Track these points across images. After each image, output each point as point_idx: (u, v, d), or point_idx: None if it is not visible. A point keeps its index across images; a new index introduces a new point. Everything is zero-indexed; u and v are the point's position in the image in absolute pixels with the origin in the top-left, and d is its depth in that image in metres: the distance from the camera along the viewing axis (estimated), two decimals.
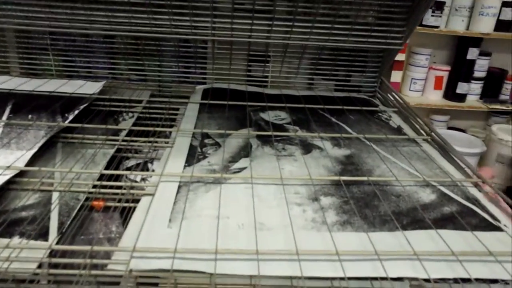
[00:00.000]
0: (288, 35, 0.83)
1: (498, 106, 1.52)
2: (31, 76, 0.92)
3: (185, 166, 0.58)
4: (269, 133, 0.69)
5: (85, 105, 0.76)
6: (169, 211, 0.48)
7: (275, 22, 0.81)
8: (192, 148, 0.64)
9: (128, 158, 0.68)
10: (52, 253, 0.42)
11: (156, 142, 0.69)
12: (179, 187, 0.53)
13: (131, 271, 0.39)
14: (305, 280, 0.38)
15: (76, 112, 0.73)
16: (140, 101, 0.85)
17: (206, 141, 0.67)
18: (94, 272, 0.39)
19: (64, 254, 0.43)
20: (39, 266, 0.41)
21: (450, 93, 1.55)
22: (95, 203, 0.55)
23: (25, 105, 0.74)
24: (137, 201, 0.54)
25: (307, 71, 1.02)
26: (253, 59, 0.99)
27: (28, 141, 0.62)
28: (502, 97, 1.60)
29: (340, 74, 1.01)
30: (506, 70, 1.60)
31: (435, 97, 1.56)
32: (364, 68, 0.95)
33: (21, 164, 0.54)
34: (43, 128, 0.67)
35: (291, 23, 0.81)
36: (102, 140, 0.67)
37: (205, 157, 0.62)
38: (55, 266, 0.41)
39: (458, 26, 1.45)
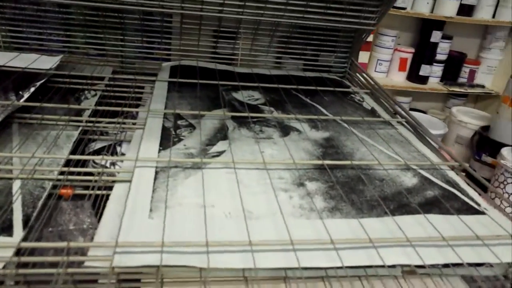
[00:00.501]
0: (262, 11, 0.79)
1: (457, 89, 1.57)
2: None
3: (160, 150, 0.55)
4: (246, 114, 0.66)
5: (41, 81, 0.69)
6: (149, 200, 0.45)
7: None
8: (165, 130, 0.60)
9: (93, 140, 0.63)
10: (20, 250, 0.38)
11: (124, 123, 0.64)
12: (156, 173, 0.50)
13: (114, 268, 0.36)
14: (302, 271, 0.37)
15: (32, 89, 0.66)
16: (101, 78, 0.79)
17: (179, 122, 0.63)
18: (71, 270, 0.35)
19: (32, 250, 0.38)
20: (4, 266, 0.36)
21: (414, 75, 1.59)
22: (63, 191, 0.50)
23: None
24: (109, 188, 0.50)
25: (276, 49, 1.00)
26: (221, 35, 0.95)
27: None
28: (461, 80, 1.66)
29: (309, 54, 1.00)
30: (465, 53, 1.66)
31: (399, 79, 1.59)
32: (335, 48, 0.94)
33: None
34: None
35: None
36: (64, 121, 0.61)
37: (180, 140, 0.58)
38: (24, 265, 0.37)
39: (423, 8, 1.47)
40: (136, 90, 0.77)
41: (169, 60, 0.92)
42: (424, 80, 1.59)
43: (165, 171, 0.50)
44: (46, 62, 0.77)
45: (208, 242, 0.37)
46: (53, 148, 0.56)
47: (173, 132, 0.60)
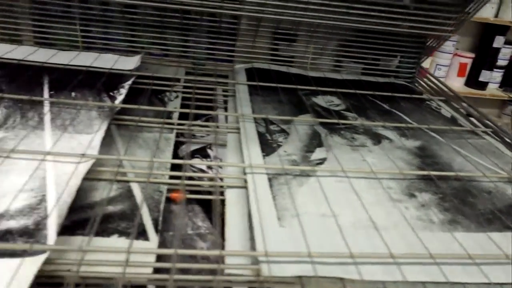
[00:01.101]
0: (322, 14, 0.79)
1: None
2: (44, 46, 0.84)
3: (264, 156, 0.55)
4: (336, 120, 0.66)
5: (129, 82, 0.70)
6: (273, 208, 0.45)
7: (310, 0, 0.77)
8: (260, 135, 0.60)
9: (183, 143, 0.64)
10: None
11: (218, 127, 0.64)
12: (269, 179, 0.50)
13: (261, 276, 0.36)
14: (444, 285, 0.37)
15: (123, 90, 0.67)
16: (177, 79, 0.79)
17: (271, 127, 0.64)
18: (227, 278, 0.35)
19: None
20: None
21: (472, 81, 1.57)
22: (175, 195, 0.51)
23: (64, 82, 0.67)
24: (218, 193, 0.51)
25: (334, 52, 1.00)
26: (280, 37, 0.95)
27: (83, 123, 0.57)
28: None
29: (369, 58, 0.99)
30: None
31: (457, 84, 1.57)
32: (402, 53, 0.93)
33: (94, 152, 0.49)
34: (92, 108, 0.61)
35: (326, 2, 0.77)
36: (160, 123, 0.62)
37: (278, 146, 0.58)
38: (163, 271, 0.38)
39: (488, 13, 1.45)
40: (212, 92, 0.78)
41: (230, 61, 0.93)
42: (483, 85, 1.57)
43: (277, 178, 0.51)
44: (127, 63, 0.78)
45: (352, 253, 0.38)
46: (157, 151, 0.57)
47: (269, 138, 0.60)
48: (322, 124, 0.66)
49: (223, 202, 0.50)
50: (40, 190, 0.42)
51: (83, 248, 0.36)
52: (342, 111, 0.72)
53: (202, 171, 0.58)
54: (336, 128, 0.65)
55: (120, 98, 0.64)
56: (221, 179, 0.52)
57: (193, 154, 0.62)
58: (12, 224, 0.38)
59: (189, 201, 0.52)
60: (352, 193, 0.49)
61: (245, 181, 0.51)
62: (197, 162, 0.55)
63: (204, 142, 0.64)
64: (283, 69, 0.87)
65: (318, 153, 0.57)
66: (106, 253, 0.37)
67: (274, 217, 0.43)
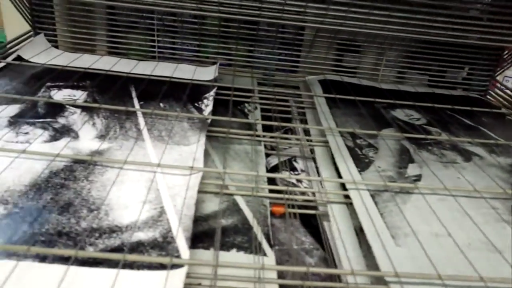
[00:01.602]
0: (388, 26, 0.78)
1: None
2: (119, 56, 0.86)
3: (359, 172, 0.55)
4: (423, 136, 0.65)
5: (211, 93, 0.71)
6: (384, 226, 0.45)
7: (373, 11, 0.76)
8: (350, 149, 0.60)
9: (268, 154, 0.64)
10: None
11: (311, 140, 0.64)
12: (372, 196, 0.50)
13: None
14: None
15: (208, 102, 0.68)
16: (251, 90, 0.80)
17: (358, 141, 0.63)
18: None
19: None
20: None
21: None
22: (275, 208, 0.51)
23: (150, 92, 0.69)
24: (319, 208, 0.51)
25: (397, 63, 0.98)
26: (344, 48, 0.95)
27: (179, 134, 0.58)
28: None
29: (433, 69, 0.98)
30: None
31: None
32: (474, 65, 0.92)
33: (200, 164, 0.50)
34: (183, 119, 0.62)
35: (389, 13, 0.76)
36: (248, 135, 0.63)
37: (370, 161, 0.58)
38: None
39: None
40: (287, 103, 0.78)
41: (295, 72, 0.93)
42: None
43: (379, 194, 0.50)
44: (205, 73, 0.79)
45: (482, 277, 0.37)
46: (250, 163, 0.57)
47: (359, 152, 0.60)
48: (408, 139, 0.65)
49: (320, 216, 0.50)
50: (157, 202, 0.43)
51: (213, 263, 0.37)
52: (424, 126, 0.71)
53: (294, 184, 0.58)
54: (423, 144, 0.64)
55: (208, 109, 0.65)
56: (321, 194, 0.52)
57: (278, 167, 0.62)
58: (141, 236, 0.39)
59: (289, 215, 0.52)
60: (458, 212, 0.48)
61: (344, 196, 0.51)
62: (302, 177, 0.56)
63: (290, 155, 0.64)
64: (355, 81, 0.86)
65: (412, 169, 0.57)
66: (231, 268, 0.38)
67: (387, 236, 0.43)
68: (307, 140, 0.65)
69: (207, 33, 0.90)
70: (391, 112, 0.74)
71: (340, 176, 0.54)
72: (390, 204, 0.49)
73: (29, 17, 0.80)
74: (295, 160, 0.64)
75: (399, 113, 0.74)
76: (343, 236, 0.45)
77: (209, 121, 0.61)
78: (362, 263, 0.42)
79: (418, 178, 0.55)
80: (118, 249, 0.37)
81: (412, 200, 0.50)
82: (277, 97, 0.78)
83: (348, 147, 0.60)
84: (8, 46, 0.74)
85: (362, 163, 0.57)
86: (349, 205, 0.50)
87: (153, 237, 0.39)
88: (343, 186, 0.53)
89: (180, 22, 0.87)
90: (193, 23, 0.88)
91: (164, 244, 0.38)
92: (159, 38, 0.87)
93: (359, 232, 0.46)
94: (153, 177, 0.47)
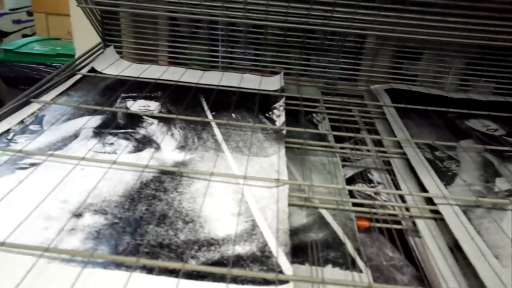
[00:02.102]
0: (448, 32, 0.75)
1: None
2: (180, 65, 0.87)
3: (445, 186, 0.52)
4: (507, 148, 0.62)
5: (280, 103, 0.70)
6: (483, 244, 0.42)
7: (432, 17, 0.74)
8: (430, 162, 0.58)
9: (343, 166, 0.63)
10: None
11: (385, 151, 0.63)
12: (464, 212, 0.47)
13: None
14: None
15: (278, 112, 0.67)
16: (317, 100, 0.79)
17: (437, 154, 0.61)
18: None
19: None
20: None
21: None
22: (360, 222, 0.50)
23: (220, 102, 0.69)
24: (397, 222, 0.49)
25: (462, 71, 0.95)
26: (404, 56, 0.92)
27: (255, 146, 0.57)
28: None
29: (499, 76, 0.93)
30: None
31: None
32: None
33: (284, 176, 0.49)
34: (257, 130, 0.62)
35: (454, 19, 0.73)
36: (323, 146, 0.62)
37: (454, 174, 0.55)
38: None
39: None
40: (352, 113, 0.77)
41: (354, 80, 0.91)
42: None
43: (472, 211, 0.48)
44: (271, 83, 0.79)
45: None
46: (329, 175, 0.56)
47: (441, 165, 0.57)
48: (490, 151, 0.62)
49: (407, 231, 0.48)
50: (248, 215, 0.43)
51: (318, 279, 0.36)
52: (504, 137, 0.68)
53: (369, 196, 0.56)
54: (507, 156, 0.61)
55: (280, 120, 0.64)
56: (407, 208, 0.51)
57: (353, 179, 0.61)
58: (239, 249, 0.38)
59: (373, 229, 0.50)
60: None
61: (431, 211, 0.49)
62: (389, 191, 0.54)
63: (364, 166, 0.62)
64: (423, 89, 0.84)
65: (500, 184, 0.54)
66: (335, 285, 0.37)
67: (490, 255, 0.41)
68: (380, 151, 0.64)
69: (270, 42, 0.90)
70: (465, 122, 0.72)
71: (423, 190, 0.52)
72: (484, 221, 0.46)
73: (100, 30, 0.82)
74: (369, 172, 0.62)
75: (475, 124, 0.71)
76: (435, 254, 0.43)
77: (284, 132, 0.60)
78: (463, 283, 0.40)
79: (509, 193, 0.52)
80: (218, 263, 0.36)
81: (509, 218, 0.47)
82: (343, 106, 0.77)
83: (428, 160, 0.58)
84: (82, 58, 0.77)
85: (445, 177, 0.54)
86: (439, 220, 0.48)
87: (250, 250, 0.38)
88: (429, 201, 0.51)
89: (245, 32, 0.87)
90: (255, 33, 0.89)
91: (263, 259, 0.37)
92: (223, 48, 0.88)
93: (454, 249, 0.44)
94: (239, 189, 0.47)
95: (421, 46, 0.91)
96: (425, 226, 0.47)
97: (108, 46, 0.85)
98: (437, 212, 0.48)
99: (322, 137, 0.65)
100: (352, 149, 0.64)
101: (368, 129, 0.73)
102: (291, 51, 0.90)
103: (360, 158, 0.65)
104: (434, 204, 0.49)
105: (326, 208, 0.49)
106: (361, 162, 0.64)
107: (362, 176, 0.61)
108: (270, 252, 0.38)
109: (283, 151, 0.55)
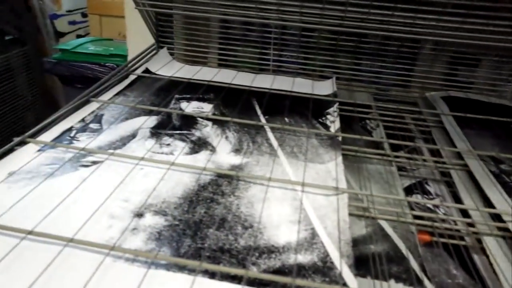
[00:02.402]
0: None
1: None
2: (229, 68, 0.87)
3: None
4: None
5: (333, 109, 0.69)
6: None
7: (495, 22, 0.70)
8: (495, 175, 0.55)
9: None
10: None
11: (445, 162, 0.60)
12: None
13: None
14: None
15: (331, 117, 0.66)
16: (369, 106, 0.77)
17: (503, 167, 0.58)
18: None
19: None
20: None
21: None
22: (421, 236, 0.47)
23: (273, 106, 0.68)
24: (459, 238, 0.47)
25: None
26: (459, 62, 0.89)
27: (310, 152, 0.56)
28: None
29: None
30: None
31: None
32: None
33: (343, 185, 0.48)
34: (311, 135, 0.60)
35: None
36: (379, 154, 0.60)
37: None
38: None
39: None
40: (405, 120, 0.74)
41: (407, 86, 0.88)
42: None
43: None
44: (322, 87, 0.78)
45: None
46: (386, 185, 0.54)
47: (509, 180, 0.54)
48: None
49: (472, 248, 0.46)
50: (306, 223, 0.42)
51: None
52: None
53: (428, 209, 0.54)
54: None
55: (335, 125, 0.63)
56: (471, 224, 0.48)
57: (410, 189, 0.58)
58: (300, 258, 0.37)
59: (435, 244, 0.48)
60: None
61: (498, 228, 0.46)
62: (452, 205, 0.52)
63: (421, 177, 0.60)
64: (482, 98, 0.80)
65: None
66: None
67: None
68: (439, 162, 0.61)
69: (322, 46, 0.89)
70: None
71: (489, 205, 0.50)
72: None
73: (155, 31, 0.84)
74: (427, 183, 0.60)
75: None
76: (506, 273, 0.41)
77: (340, 138, 0.59)
78: None
79: None
80: (280, 271, 0.36)
81: None
82: (396, 113, 0.75)
83: (493, 173, 0.55)
84: (137, 59, 0.78)
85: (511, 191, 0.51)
86: (508, 239, 0.45)
87: (312, 260, 0.37)
88: (496, 217, 0.48)
89: (298, 36, 0.86)
90: (307, 36, 0.88)
91: (326, 270, 0.36)
92: (274, 52, 0.87)
93: None
94: (296, 196, 0.46)
95: (480, 52, 0.87)
96: (493, 244, 0.45)
97: (161, 47, 0.86)
98: (506, 229, 0.46)
99: (376, 145, 0.63)
100: (408, 158, 0.61)
101: (424, 138, 0.70)
102: (342, 55, 0.88)
103: (416, 168, 0.63)
104: (503, 221, 0.46)
105: (386, 220, 0.47)
106: (416, 172, 0.62)
107: (418, 187, 0.59)
108: (332, 263, 0.37)
109: (340, 158, 0.54)
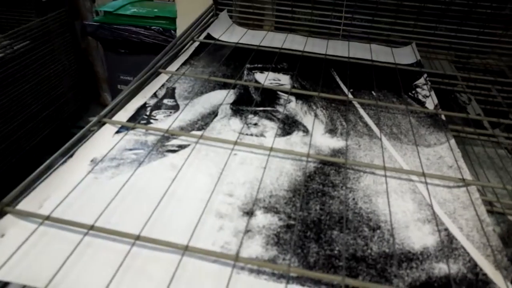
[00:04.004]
0: None
1: None
2: (286, 31, 0.79)
3: None
4: None
5: (422, 81, 0.61)
6: None
7: None
8: None
9: None
10: None
11: None
12: None
13: None
14: None
15: (427, 92, 0.59)
16: (454, 77, 0.69)
17: None
18: None
19: None
20: None
21: None
22: None
23: (355, 77, 0.61)
24: None
25: None
26: None
27: (411, 132, 0.50)
28: None
29: None
30: None
31: None
32: None
33: (467, 175, 0.42)
34: (406, 113, 0.54)
35: None
36: (484, 135, 0.53)
37: None
38: None
39: None
40: (491, 93, 0.66)
41: (485, 53, 0.79)
42: None
43: None
44: (404, 55, 0.70)
45: None
46: (500, 172, 0.48)
47: None
48: None
49: None
50: (438, 222, 0.36)
51: None
52: None
53: None
54: None
55: (430, 101, 0.56)
56: None
57: None
58: (445, 268, 0.32)
59: None
60: None
61: None
62: None
63: None
64: None
65: None
66: None
67: None
68: None
69: (404, 9, 0.80)
70: None
71: None
72: None
73: None
74: None
75: None
76: None
77: (443, 117, 0.52)
78: None
79: None
80: (428, 285, 0.30)
81: None
82: (481, 85, 0.67)
83: None
84: (196, 24, 0.71)
85: None
86: None
87: (460, 271, 0.32)
88: None
89: None
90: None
91: (480, 284, 0.31)
92: (346, 15, 0.79)
93: None
94: (415, 188, 0.40)
95: None
96: None
97: (220, 10, 0.78)
98: None
99: (475, 123, 0.56)
100: None
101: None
102: (422, 18, 0.79)
103: None
104: None
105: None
106: None
107: None
108: (485, 275, 0.31)
109: (453, 141, 0.47)
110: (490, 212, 0.41)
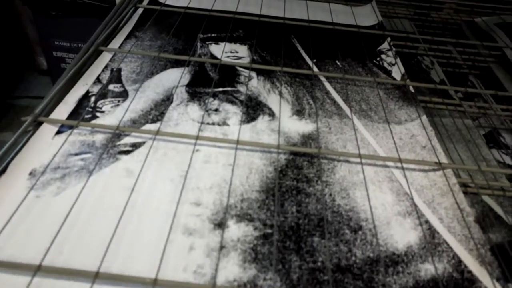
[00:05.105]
0: None
1: None
2: None
3: None
4: None
5: (386, 46, 0.58)
6: None
7: None
8: None
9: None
10: None
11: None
12: None
13: None
14: None
15: (392, 59, 0.56)
16: (416, 39, 0.66)
17: None
18: None
19: None
20: None
21: None
22: None
23: (317, 45, 0.57)
24: None
25: None
26: None
27: (381, 108, 0.47)
28: None
29: None
30: None
31: None
32: None
33: (442, 158, 0.40)
34: (371, 84, 0.51)
35: None
36: (450, 104, 0.52)
37: None
38: None
39: None
40: (451, 54, 0.65)
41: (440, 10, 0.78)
42: None
43: None
44: (364, 16, 0.66)
45: None
46: (470, 144, 0.47)
47: None
48: None
49: None
50: (418, 214, 0.35)
51: None
52: None
53: None
54: None
55: (396, 69, 0.53)
56: None
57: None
58: (431, 269, 0.30)
59: None
60: None
61: None
62: None
63: (489, 126, 0.53)
64: None
65: None
66: None
67: None
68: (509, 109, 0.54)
69: None
70: None
71: None
72: None
73: None
74: (499, 133, 0.53)
75: None
76: None
77: (411, 88, 0.50)
78: None
79: None
80: None
81: None
82: (439, 46, 0.65)
83: None
84: None
85: None
86: None
87: (446, 271, 0.30)
88: None
89: None
90: None
91: (466, 284, 0.30)
92: None
93: None
94: (391, 175, 0.38)
95: None
96: None
97: None
98: None
99: (440, 90, 0.55)
100: (479, 107, 0.54)
101: (478, 75, 0.62)
102: None
103: (480, 116, 0.56)
104: None
105: (489, 195, 0.40)
106: (484, 121, 0.55)
107: (490, 139, 0.52)
108: (470, 273, 0.30)
109: (424, 117, 0.45)
110: (464, 193, 0.40)
